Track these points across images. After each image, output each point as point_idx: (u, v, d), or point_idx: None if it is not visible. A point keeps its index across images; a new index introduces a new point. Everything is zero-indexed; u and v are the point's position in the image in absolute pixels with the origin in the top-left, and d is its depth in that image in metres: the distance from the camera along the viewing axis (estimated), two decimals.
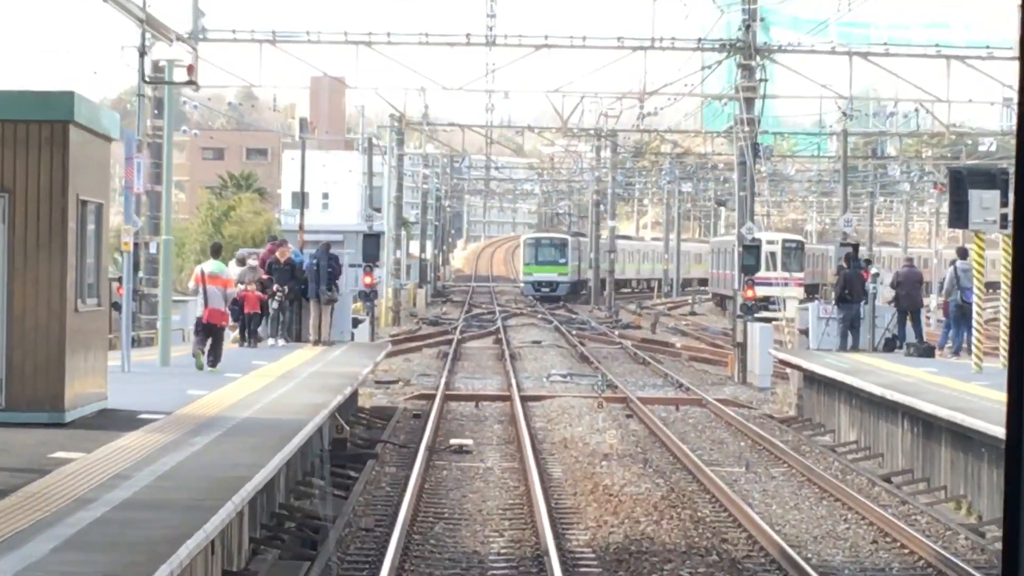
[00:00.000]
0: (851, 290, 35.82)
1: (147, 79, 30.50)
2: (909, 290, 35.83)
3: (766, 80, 44.30)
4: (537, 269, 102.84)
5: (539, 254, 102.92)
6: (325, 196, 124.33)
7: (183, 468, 14.41)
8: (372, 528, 20.06)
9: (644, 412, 34.66)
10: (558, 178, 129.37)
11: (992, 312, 48.47)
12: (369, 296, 43.81)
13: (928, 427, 24.94)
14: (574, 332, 66.11)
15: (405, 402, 37.54)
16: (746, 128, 44.21)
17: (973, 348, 30.37)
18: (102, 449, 15.53)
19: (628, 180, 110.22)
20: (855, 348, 35.68)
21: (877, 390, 26.54)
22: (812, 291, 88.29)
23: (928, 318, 44.46)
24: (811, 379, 34.36)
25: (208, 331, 27.55)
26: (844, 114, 45.61)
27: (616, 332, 66.73)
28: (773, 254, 78.20)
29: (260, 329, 33.80)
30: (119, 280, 43.22)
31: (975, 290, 30.72)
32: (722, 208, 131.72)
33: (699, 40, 45.64)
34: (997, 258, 39.82)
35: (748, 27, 42.36)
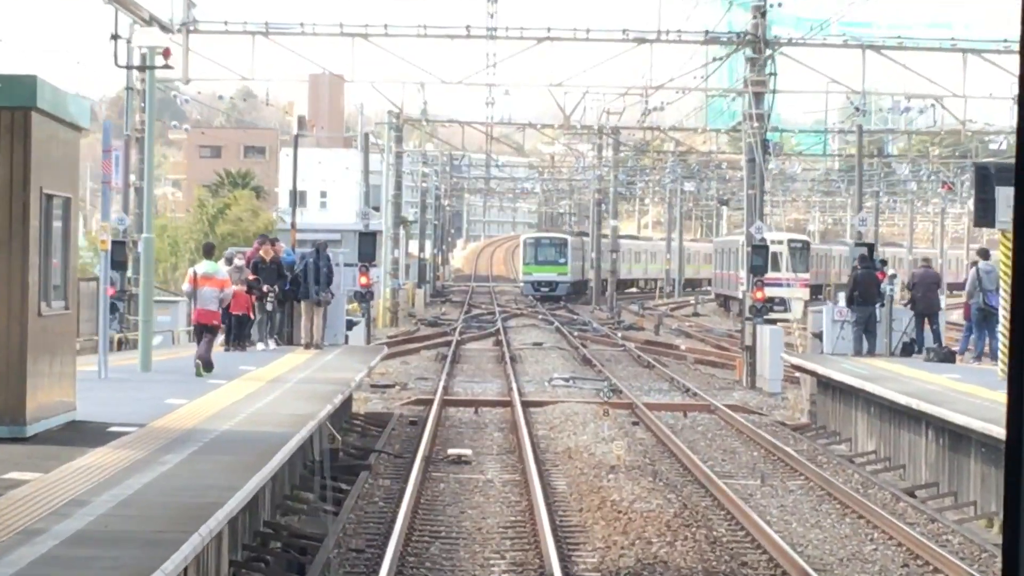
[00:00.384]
0: (862, 292, 34.32)
1: (119, 64, 28.98)
2: (925, 292, 34.36)
3: (776, 74, 42.81)
4: (537, 269, 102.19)
5: (539, 254, 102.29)
6: (323, 195, 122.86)
7: (148, 492, 12.92)
8: (363, 549, 18.58)
9: (651, 419, 33.20)
10: (559, 177, 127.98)
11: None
12: (365, 297, 42.29)
13: (956, 438, 23.47)
14: (576, 333, 64.66)
15: (401, 408, 36.07)
16: (755, 124, 42.71)
17: (999, 354, 28.88)
18: (62, 469, 14.06)
19: (630, 179, 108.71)
20: (871, 353, 34.19)
21: (902, 399, 25.05)
22: (816, 292, 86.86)
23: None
24: (825, 385, 32.89)
25: (201, 331, 26.17)
26: (857, 109, 44.08)
27: (619, 334, 65.27)
28: (778, 254, 76.66)
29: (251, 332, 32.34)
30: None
31: (1001, 292, 29.24)
32: (724, 207, 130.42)
33: (706, 32, 44.16)
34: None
35: (764, 14, 40.81)
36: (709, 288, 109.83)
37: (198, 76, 44.12)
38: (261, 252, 32.09)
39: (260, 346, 31.93)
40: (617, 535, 19.41)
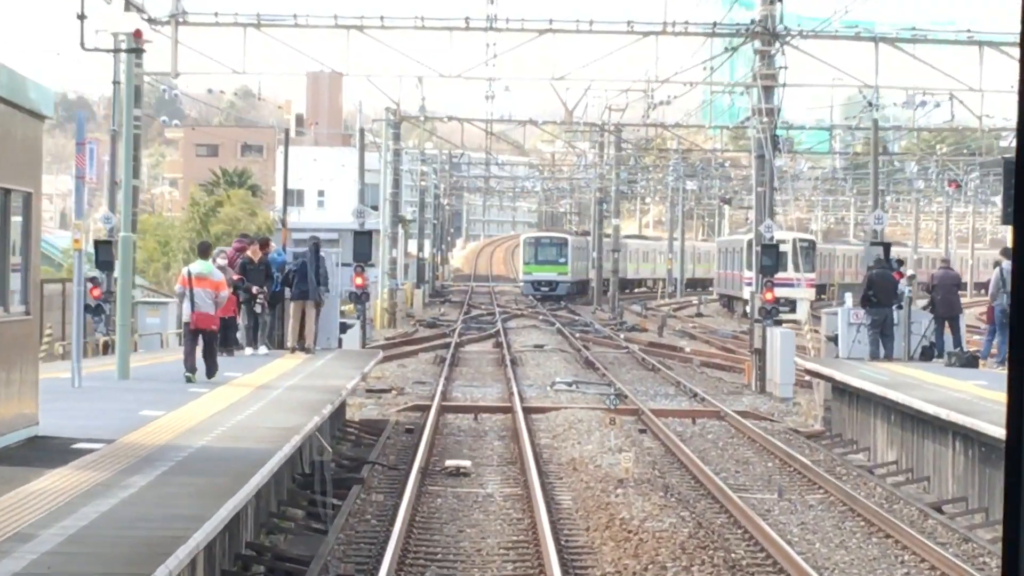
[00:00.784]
0: (878, 293, 32.78)
1: (86, 47, 27.58)
2: (945, 294, 32.85)
3: (786, 67, 41.34)
4: (537, 268, 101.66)
5: (539, 253, 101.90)
6: (321, 194, 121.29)
7: (104, 524, 11.43)
8: (352, 575, 17.09)
9: (658, 426, 31.71)
10: (559, 176, 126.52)
11: None
12: (360, 298, 40.77)
13: (987, 450, 21.97)
14: (577, 335, 63.18)
15: (397, 414, 34.57)
16: (764, 119, 41.22)
17: None
18: (11, 495, 12.56)
19: (631, 178, 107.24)
20: (888, 357, 32.68)
21: (930, 408, 23.53)
22: (820, 292, 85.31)
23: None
24: (841, 390, 31.39)
25: (196, 337, 24.69)
26: (870, 104, 42.58)
27: (621, 335, 63.78)
28: (784, 254, 75.15)
29: (238, 335, 30.84)
30: (93, 280, 40.61)
31: None
32: (726, 206, 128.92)
33: (714, 24, 42.66)
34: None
35: (773, 1, 39.29)
36: (713, 288, 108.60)
37: (188, 70, 42.61)
38: (249, 252, 30.57)
39: (249, 351, 30.39)
40: (628, 558, 17.92)
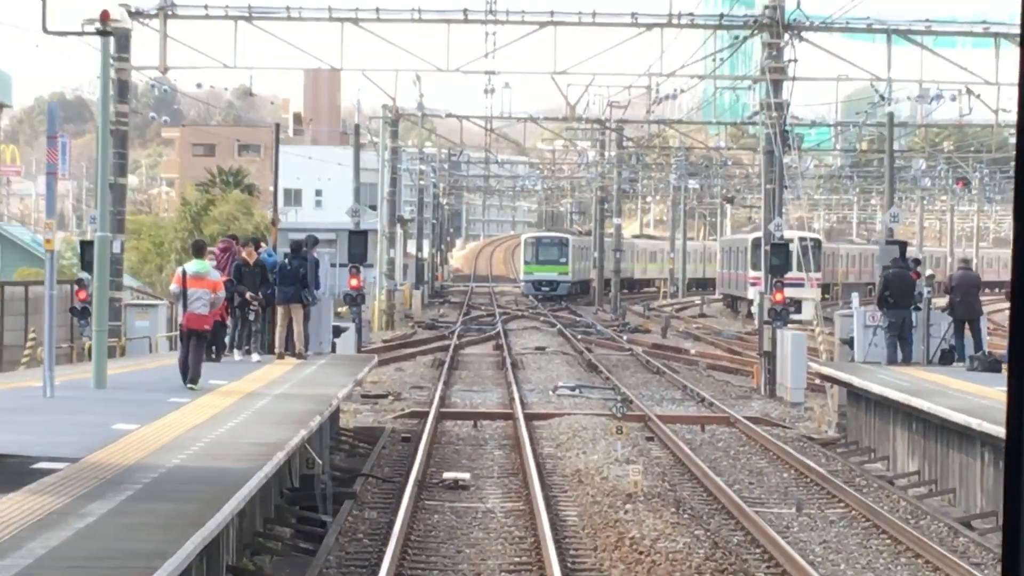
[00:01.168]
0: (895, 293, 31.34)
1: (48, 30, 26.26)
2: (965, 295, 31.41)
3: (796, 60, 39.95)
4: (538, 268, 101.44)
5: (540, 253, 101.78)
6: (318, 193, 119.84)
7: (48, 565, 10.04)
8: None
9: (666, 433, 30.35)
10: (559, 176, 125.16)
11: None
12: (356, 300, 39.35)
13: None
14: (579, 337, 61.82)
15: (394, 421, 33.20)
16: (774, 113, 39.83)
17: None
18: None
19: (633, 176, 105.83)
20: (906, 361, 31.25)
21: (959, 417, 22.11)
22: (823, 291, 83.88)
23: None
24: (857, 396, 30.00)
25: (189, 338, 23.31)
26: (882, 98, 41.17)
27: (624, 337, 62.41)
28: (789, 253, 73.72)
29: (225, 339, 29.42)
30: (79, 282, 39.18)
31: None
32: (728, 205, 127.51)
33: (721, 16, 41.26)
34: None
35: None
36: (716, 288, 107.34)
37: (177, 64, 41.21)
38: (244, 254, 29.10)
39: (237, 355, 28.94)
40: None
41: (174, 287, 24.15)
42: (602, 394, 39.34)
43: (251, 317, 29.36)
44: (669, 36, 42.11)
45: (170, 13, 40.03)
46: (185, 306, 23.62)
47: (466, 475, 24.48)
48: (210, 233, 68.32)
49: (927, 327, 31.33)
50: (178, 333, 25.61)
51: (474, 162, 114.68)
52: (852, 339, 32.24)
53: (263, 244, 31.88)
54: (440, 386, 39.62)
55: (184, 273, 23.87)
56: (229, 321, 29.21)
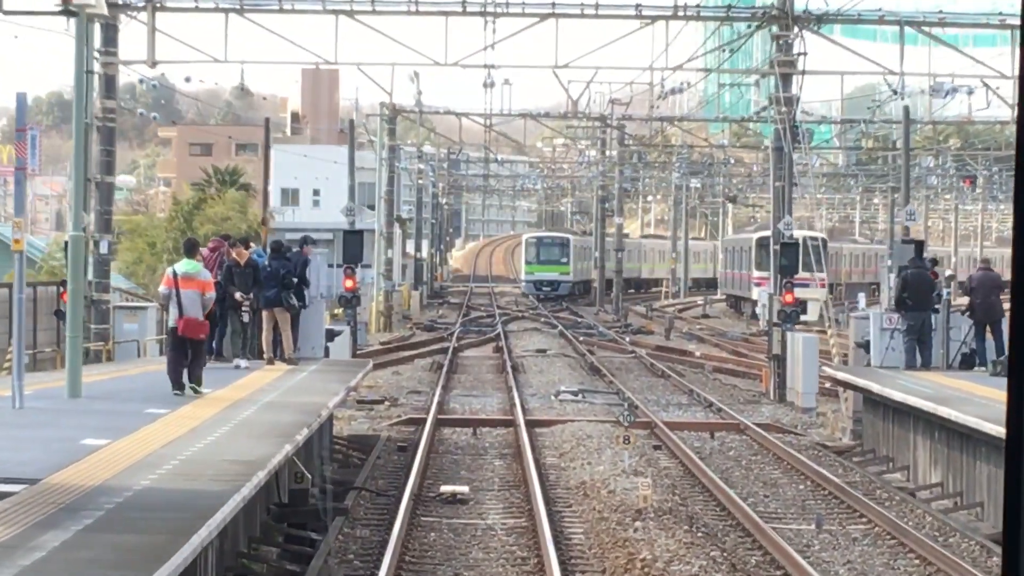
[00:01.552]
0: (913, 295, 29.98)
1: (6, 10, 24.84)
2: (986, 297, 30.05)
3: (806, 53, 38.59)
4: (539, 268, 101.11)
5: (541, 253, 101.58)
6: (316, 193, 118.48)
7: None
8: None
9: (674, 441, 29.01)
10: (560, 175, 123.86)
11: None
12: (351, 302, 38.01)
13: None
14: (581, 338, 60.47)
15: (390, 428, 31.86)
16: (783, 108, 38.49)
17: None
18: None
19: (634, 175, 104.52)
20: (926, 366, 29.90)
21: (991, 428, 20.77)
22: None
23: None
24: (873, 402, 28.66)
25: (185, 345, 21.98)
26: (895, 92, 39.82)
27: (627, 338, 61.09)
28: None
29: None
30: (63, 283, 37.83)
31: None
32: (730, 205, 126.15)
33: (728, 8, 39.89)
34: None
35: None
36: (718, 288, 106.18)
37: (166, 59, 39.89)
38: (234, 255, 27.70)
39: (240, 362, 27.48)
40: None
41: (163, 288, 22.83)
42: (606, 399, 38.05)
43: (244, 319, 28.00)
44: (673, 30, 40.82)
45: (158, 5, 38.68)
46: (180, 310, 22.29)
47: (465, 488, 23.14)
48: (204, 233, 66.97)
49: (947, 330, 29.97)
50: (168, 337, 24.21)
51: (473, 161, 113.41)
52: (868, 342, 30.88)
53: (252, 244, 30.54)
54: (438, 391, 38.29)
55: (175, 274, 22.57)
56: (221, 325, 27.86)
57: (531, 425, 31.31)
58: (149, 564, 10.09)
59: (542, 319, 75.64)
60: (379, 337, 60.59)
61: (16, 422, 17.99)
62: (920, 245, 32.73)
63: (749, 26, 41.55)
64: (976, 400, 24.02)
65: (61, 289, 37.52)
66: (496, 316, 75.61)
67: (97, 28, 38.50)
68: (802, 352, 35.72)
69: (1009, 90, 41.96)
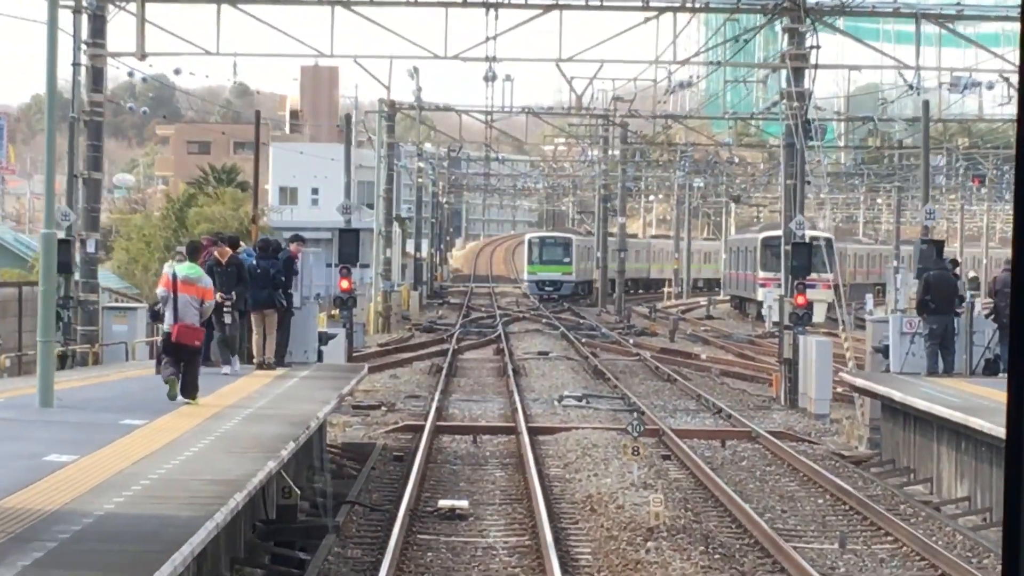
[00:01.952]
0: (936, 298, 28.62)
1: None
2: (1010, 299, 28.64)
3: (819, 47, 37.26)
4: (541, 268, 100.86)
5: (544, 253, 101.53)
6: (315, 191, 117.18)
7: None
8: None
9: (683, 451, 27.67)
10: (561, 174, 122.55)
11: None
12: (346, 303, 36.65)
13: None
14: (583, 340, 59.12)
15: (386, 435, 30.50)
16: (795, 103, 37.14)
17: None
18: None
19: (637, 173, 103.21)
20: (948, 372, 28.53)
21: None
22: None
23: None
24: (893, 410, 27.30)
25: (178, 353, 20.63)
26: (911, 87, 38.48)
27: (631, 340, 59.77)
28: None
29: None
30: None
31: None
32: (733, 204, 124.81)
33: (738, 0, 38.52)
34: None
35: None
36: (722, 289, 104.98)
37: (155, 51, 38.53)
38: (216, 254, 26.30)
39: (227, 368, 26.05)
40: None
41: (162, 291, 21.51)
42: (611, 404, 36.75)
43: (227, 320, 26.59)
44: (680, 23, 39.51)
45: None
46: (176, 314, 20.97)
47: (464, 503, 21.78)
48: (200, 232, 65.61)
49: (970, 334, 28.61)
50: (161, 341, 22.89)
51: (474, 159, 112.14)
52: (886, 347, 29.51)
53: (242, 243, 29.19)
54: (437, 395, 36.93)
55: (174, 276, 21.23)
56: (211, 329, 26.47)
57: (533, 432, 29.97)
58: None
59: (543, 320, 74.37)
60: (377, 339, 59.26)
61: None
62: (940, 246, 31.36)
63: (759, 19, 40.18)
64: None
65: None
66: (497, 317, 74.32)
67: (84, 19, 37.23)
68: (815, 356, 34.37)
69: None
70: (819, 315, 66.00)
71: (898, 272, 74.83)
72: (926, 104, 44.15)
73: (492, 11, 37.95)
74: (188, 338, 20.95)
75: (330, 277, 57.16)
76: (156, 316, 26.63)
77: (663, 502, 19.80)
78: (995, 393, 25.20)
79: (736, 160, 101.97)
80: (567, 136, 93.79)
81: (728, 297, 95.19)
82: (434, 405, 34.48)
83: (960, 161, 79.66)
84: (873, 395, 27.95)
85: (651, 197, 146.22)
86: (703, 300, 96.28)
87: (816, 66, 37.64)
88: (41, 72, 18.94)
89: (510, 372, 43.89)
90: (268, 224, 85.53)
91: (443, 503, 21.63)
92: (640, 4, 38.05)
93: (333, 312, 44.07)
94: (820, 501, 23.35)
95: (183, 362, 20.89)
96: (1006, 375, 17.02)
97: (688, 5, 38.08)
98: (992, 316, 28.92)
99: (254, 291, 26.46)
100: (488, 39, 38.08)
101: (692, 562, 17.27)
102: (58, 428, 17.47)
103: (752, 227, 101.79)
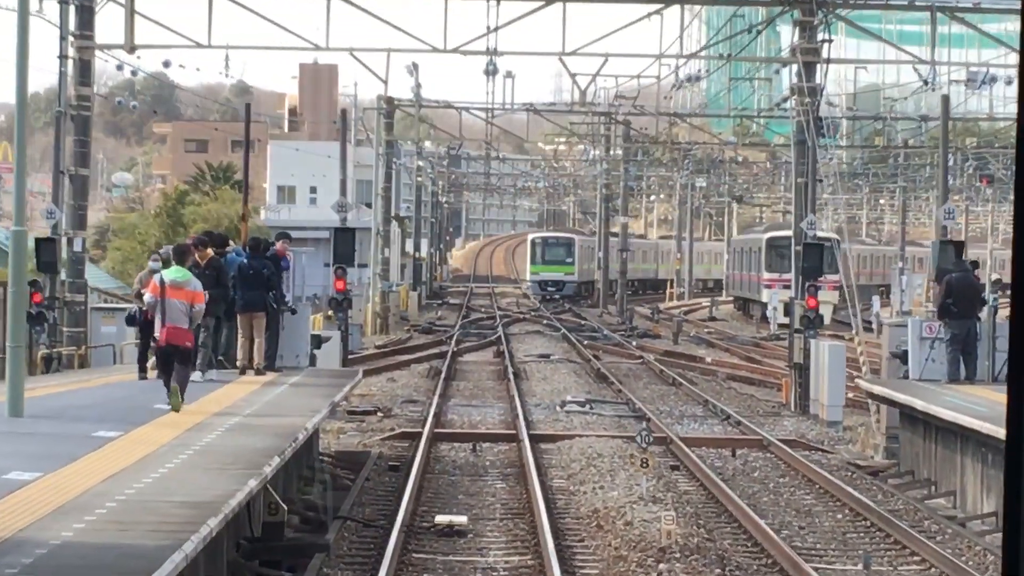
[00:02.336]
0: (957, 301, 27.35)
1: None
2: (1010, 299, 27.37)
3: (831, 40, 36.03)
4: (544, 269, 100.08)
5: (546, 253, 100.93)
6: (313, 190, 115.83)
7: None
8: None
9: (692, 460, 26.44)
10: (562, 173, 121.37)
11: None
12: (342, 304, 35.40)
13: None
14: (585, 342, 57.89)
15: (381, 444, 29.25)
16: (806, 99, 35.91)
17: None
18: None
19: (639, 173, 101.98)
20: (970, 378, 27.26)
21: None
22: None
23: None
24: (912, 418, 26.06)
25: (168, 357, 19.48)
26: (925, 82, 37.26)
27: (633, 342, 58.54)
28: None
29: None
30: (33, 284, 35.29)
31: None
32: (735, 204, 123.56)
33: None
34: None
35: None
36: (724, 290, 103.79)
37: (145, 43, 37.30)
38: (196, 255, 24.95)
39: (196, 375, 24.79)
40: None
41: (149, 297, 20.38)
42: (615, 410, 35.52)
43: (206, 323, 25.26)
44: (688, 16, 38.25)
45: None
46: (163, 319, 19.84)
47: (462, 518, 20.53)
48: (195, 230, 64.41)
49: (993, 339, 27.34)
50: (154, 350, 21.77)
51: (474, 158, 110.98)
52: (905, 352, 28.24)
53: (232, 243, 27.95)
54: (435, 400, 35.69)
55: (162, 282, 20.08)
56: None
57: (535, 440, 28.76)
58: None
59: (544, 321, 73.17)
60: (374, 340, 58.03)
61: None
62: (960, 246, 30.11)
63: (760, 17, 38.97)
64: None
65: (32, 289, 35.07)
66: (497, 318, 73.14)
67: (72, 10, 36.02)
68: (828, 361, 33.14)
69: None
70: (826, 315, 64.80)
71: (903, 274, 73.63)
72: (945, 99, 42.89)
73: (493, 2, 36.72)
74: (179, 339, 19.96)
75: (327, 277, 56.04)
76: (131, 321, 25.44)
77: (675, 519, 18.56)
78: None
79: (740, 159, 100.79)
80: (569, 135, 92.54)
81: (731, 298, 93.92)
82: (432, 411, 33.27)
83: (969, 161, 78.36)
84: (892, 403, 26.68)
85: (652, 197, 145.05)
86: (705, 301, 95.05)
87: (828, 60, 36.43)
88: (36, 69, 17.70)
89: (511, 375, 42.71)
90: (264, 223, 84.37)
91: (440, 519, 20.37)
92: None
93: (329, 314, 42.88)
94: (839, 516, 22.10)
95: (175, 362, 19.82)
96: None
97: None
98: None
99: (244, 292, 25.22)
100: (489, 31, 36.84)
101: None
102: (25, 441, 16.21)
103: (755, 227, 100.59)
